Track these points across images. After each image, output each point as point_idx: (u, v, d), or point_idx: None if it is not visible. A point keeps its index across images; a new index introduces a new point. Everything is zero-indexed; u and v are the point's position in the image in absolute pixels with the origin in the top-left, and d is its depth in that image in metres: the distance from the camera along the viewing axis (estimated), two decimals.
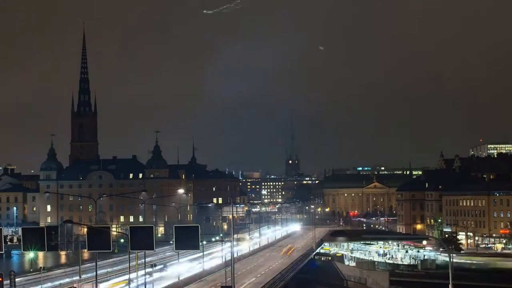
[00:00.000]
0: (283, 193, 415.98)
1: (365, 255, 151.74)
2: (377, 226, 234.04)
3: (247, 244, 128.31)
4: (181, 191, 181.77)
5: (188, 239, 51.59)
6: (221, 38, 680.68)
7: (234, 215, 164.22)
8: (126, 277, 75.48)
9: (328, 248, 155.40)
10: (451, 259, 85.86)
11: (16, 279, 58.61)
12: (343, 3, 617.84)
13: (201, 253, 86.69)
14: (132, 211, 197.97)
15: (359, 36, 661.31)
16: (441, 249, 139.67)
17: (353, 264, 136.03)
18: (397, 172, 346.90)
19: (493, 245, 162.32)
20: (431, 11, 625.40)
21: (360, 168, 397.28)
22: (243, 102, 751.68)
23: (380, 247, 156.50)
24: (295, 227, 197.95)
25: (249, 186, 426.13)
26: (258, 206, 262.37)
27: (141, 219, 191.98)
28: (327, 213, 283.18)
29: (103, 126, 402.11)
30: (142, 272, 65.86)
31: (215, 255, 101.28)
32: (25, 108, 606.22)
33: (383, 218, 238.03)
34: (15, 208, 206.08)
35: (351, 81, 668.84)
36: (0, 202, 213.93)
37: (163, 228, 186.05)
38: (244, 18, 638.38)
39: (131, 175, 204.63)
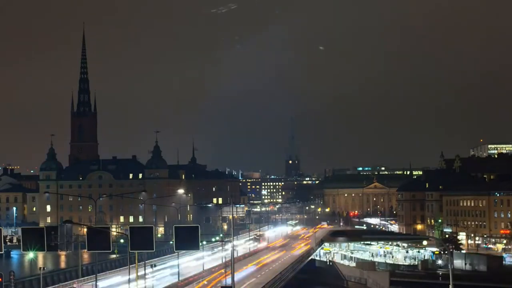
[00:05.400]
0: (283, 193, 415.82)
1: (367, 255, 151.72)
2: (377, 227, 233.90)
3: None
4: (181, 191, 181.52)
5: (188, 240, 51.43)
6: (221, 38, 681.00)
7: (234, 215, 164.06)
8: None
9: (328, 248, 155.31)
10: (451, 259, 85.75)
11: None
12: (343, 2, 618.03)
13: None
14: (132, 211, 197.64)
15: (359, 36, 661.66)
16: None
17: (353, 264, 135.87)
18: (398, 172, 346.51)
19: (494, 246, 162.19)
20: (432, 10, 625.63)
21: (360, 168, 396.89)
22: (243, 102, 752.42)
23: (380, 247, 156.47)
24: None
25: (249, 186, 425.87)
26: (258, 206, 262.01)
27: (141, 219, 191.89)
28: (327, 214, 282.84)
29: (103, 126, 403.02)
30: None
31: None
32: (25, 108, 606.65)
33: (384, 222, 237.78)
34: (14, 208, 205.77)
35: (351, 81, 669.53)
36: (0, 202, 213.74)
37: (163, 228, 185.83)
38: (244, 17, 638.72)
39: (131, 175, 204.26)
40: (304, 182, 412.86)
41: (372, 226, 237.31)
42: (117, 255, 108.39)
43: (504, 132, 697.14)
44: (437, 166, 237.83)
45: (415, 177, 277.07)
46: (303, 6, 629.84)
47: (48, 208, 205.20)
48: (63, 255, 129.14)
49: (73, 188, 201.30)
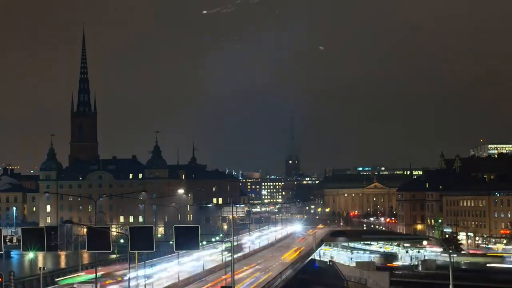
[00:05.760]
0: (283, 193, 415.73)
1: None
2: (377, 227, 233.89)
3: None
4: (181, 191, 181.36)
5: (188, 240, 51.40)
6: (221, 38, 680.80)
7: (234, 215, 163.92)
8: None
9: (328, 248, 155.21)
10: (451, 259, 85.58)
11: None
12: (343, 2, 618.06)
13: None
14: (132, 211, 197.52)
15: (359, 36, 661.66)
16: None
17: (353, 264, 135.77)
18: (398, 172, 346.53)
19: (494, 246, 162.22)
20: (432, 10, 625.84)
21: (360, 168, 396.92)
22: (242, 102, 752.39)
23: (380, 247, 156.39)
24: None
25: (249, 186, 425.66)
26: (258, 207, 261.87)
27: (141, 219, 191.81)
28: (328, 213, 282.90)
29: (103, 126, 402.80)
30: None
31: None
32: (25, 108, 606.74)
33: (383, 219, 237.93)
34: (14, 208, 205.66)
35: (351, 81, 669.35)
36: (0, 202, 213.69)
37: (163, 228, 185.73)
38: (243, 17, 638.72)
39: (131, 175, 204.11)
40: (304, 182, 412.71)
41: (372, 226, 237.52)
42: (117, 255, 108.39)
43: (504, 132, 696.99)
44: (437, 166, 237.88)
45: (415, 177, 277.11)
46: (303, 6, 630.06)
47: (48, 208, 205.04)
48: (63, 255, 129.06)
49: (73, 188, 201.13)
